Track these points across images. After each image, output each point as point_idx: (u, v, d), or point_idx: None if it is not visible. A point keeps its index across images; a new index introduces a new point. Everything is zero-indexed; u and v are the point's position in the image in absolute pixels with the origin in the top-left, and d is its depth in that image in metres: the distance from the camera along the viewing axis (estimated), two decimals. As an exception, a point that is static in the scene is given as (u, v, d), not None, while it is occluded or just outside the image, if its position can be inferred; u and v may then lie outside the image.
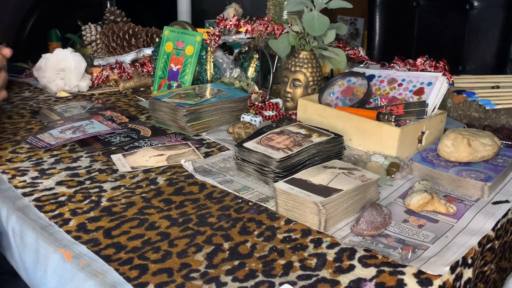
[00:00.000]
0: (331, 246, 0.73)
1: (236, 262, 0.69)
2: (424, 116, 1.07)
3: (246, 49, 1.45)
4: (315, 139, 0.96)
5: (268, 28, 1.40)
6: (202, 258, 0.70)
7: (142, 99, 1.43)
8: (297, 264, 0.69)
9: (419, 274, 0.67)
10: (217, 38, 1.39)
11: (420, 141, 1.07)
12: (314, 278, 0.66)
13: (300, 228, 0.78)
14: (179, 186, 0.91)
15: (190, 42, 1.34)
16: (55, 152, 1.03)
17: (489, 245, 0.79)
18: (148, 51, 1.58)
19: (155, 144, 1.08)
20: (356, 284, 0.65)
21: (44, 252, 0.73)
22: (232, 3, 1.69)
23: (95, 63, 1.61)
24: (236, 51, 1.48)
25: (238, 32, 1.45)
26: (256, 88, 1.36)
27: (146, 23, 1.77)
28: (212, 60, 1.37)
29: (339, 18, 3.36)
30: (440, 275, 0.66)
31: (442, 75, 1.14)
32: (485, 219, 0.81)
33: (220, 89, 1.26)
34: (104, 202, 0.84)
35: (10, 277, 1.08)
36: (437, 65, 1.29)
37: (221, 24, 1.43)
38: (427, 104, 1.08)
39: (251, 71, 1.41)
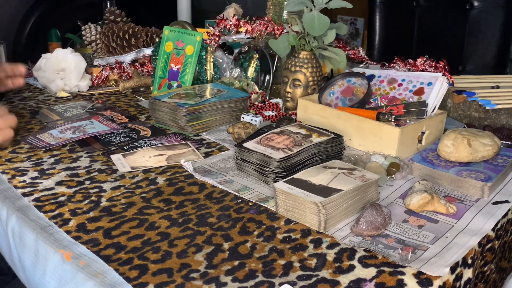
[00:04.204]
0: (331, 246, 0.73)
1: (236, 262, 0.69)
2: (424, 116, 1.07)
3: (246, 49, 1.45)
4: (315, 139, 0.96)
5: (268, 28, 1.40)
6: (202, 258, 0.70)
7: (142, 99, 1.43)
8: (297, 264, 0.69)
9: (419, 274, 0.66)
10: (217, 38, 1.39)
11: (420, 141, 1.07)
12: (314, 278, 0.66)
13: (300, 228, 0.78)
14: (179, 186, 0.91)
15: (190, 42, 1.34)
16: (55, 152, 1.03)
17: (489, 245, 0.79)
18: (148, 51, 1.58)
19: (155, 144, 1.08)
20: (356, 284, 0.65)
21: (44, 252, 0.73)
22: (232, 3, 1.69)
23: (95, 63, 1.61)
24: (236, 51, 1.47)
25: (238, 32, 1.45)
26: (256, 88, 1.36)
27: (146, 23, 1.77)
28: (212, 60, 1.37)
29: (339, 18, 3.36)
30: (440, 276, 0.66)
31: (442, 75, 1.14)
32: (485, 219, 0.81)
33: (220, 89, 1.25)
34: (104, 202, 0.84)
35: (9, 278, 1.08)
36: (437, 65, 1.29)
37: (221, 24, 1.43)
38: (427, 104, 1.08)
39: (251, 71, 1.41)
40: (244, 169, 0.95)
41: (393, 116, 1.06)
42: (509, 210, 0.85)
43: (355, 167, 0.89)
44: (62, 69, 1.43)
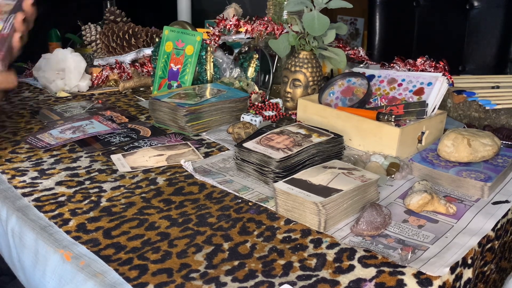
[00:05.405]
0: (331, 246, 0.73)
1: (236, 262, 0.69)
2: (424, 116, 1.07)
3: (246, 49, 1.45)
4: (315, 139, 0.96)
5: (268, 28, 1.40)
6: (202, 258, 0.70)
7: (142, 99, 1.43)
8: (297, 264, 0.69)
9: (419, 274, 0.66)
10: (217, 38, 1.39)
11: (420, 141, 1.07)
12: (314, 278, 0.66)
13: (300, 228, 0.78)
14: (179, 186, 0.90)
15: (190, 42, 1.34)
16: (55, 152, 1.03)
17: (489, 245, 0.79)
18: (148, 51, 1.58)
19: (155, 144, 1.08)
20: (356, 284, 0.65)
21: (44, 252, 0.73)
22: (232, 3, 1.69)
23: (95, 63, 1.61)
24: (236, 51, 1.47)
25: (238, 32, 1.45)
26: (256, 88, 1.36)
27: (146, 23, 1.77)
28: (212, 60, 1.37)
29: (339, 18, 3.36)
30: (439, 276, 0.66)
31: (442, 75, 1.14)
32: (485, 219, 0.81)
33: (220, 89, 1.25)
34: (103, 202, 0.84)
35: (9, 278, 1.08)
36: (437, 65, 1.29)
37: (221, 24, 1.42)
38: (427, 104, 1.08)
39: (251, 71, 1.41)
40: (244, 169, 0.95)
41: (393, 116, 1.06)
42: (509, 210, 0.85)
43: (355, 167, 0.89)
44: (62, 69, 1.43)
